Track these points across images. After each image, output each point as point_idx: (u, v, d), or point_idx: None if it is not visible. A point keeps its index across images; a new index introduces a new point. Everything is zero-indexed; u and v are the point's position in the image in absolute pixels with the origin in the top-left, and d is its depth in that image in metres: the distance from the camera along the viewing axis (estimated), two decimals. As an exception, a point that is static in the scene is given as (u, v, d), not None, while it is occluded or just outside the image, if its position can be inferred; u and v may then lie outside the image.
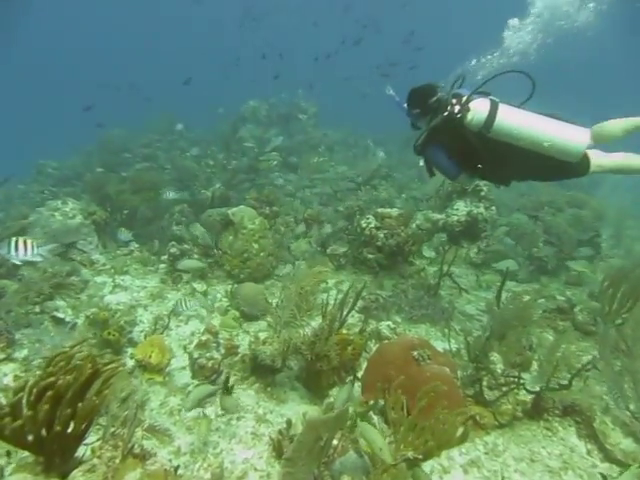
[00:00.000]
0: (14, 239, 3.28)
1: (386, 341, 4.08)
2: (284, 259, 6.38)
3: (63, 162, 13.87)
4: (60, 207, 6.36)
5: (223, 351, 4.01)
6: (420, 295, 5.44)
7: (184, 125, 15.88)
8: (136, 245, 6.74)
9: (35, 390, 2.13)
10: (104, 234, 6.77)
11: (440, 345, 4.61)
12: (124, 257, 6.45)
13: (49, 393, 2.11)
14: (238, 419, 3.54)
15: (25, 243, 3.33)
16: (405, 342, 3.51)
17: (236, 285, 5.52)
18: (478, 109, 3.58)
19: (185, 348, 4.66)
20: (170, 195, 7.86)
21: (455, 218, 6.51)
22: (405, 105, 4.02)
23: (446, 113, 3.68)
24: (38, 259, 3.43)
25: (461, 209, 6.58)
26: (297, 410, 3.65)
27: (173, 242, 6.06)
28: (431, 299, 5.36)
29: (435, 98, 3.82)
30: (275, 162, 11.74)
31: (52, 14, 38.57)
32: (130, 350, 4.54)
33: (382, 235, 5.68)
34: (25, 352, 4.15)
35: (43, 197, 11.84)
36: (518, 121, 3.49)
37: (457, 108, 3.65)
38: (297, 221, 7.47)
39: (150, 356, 4.13)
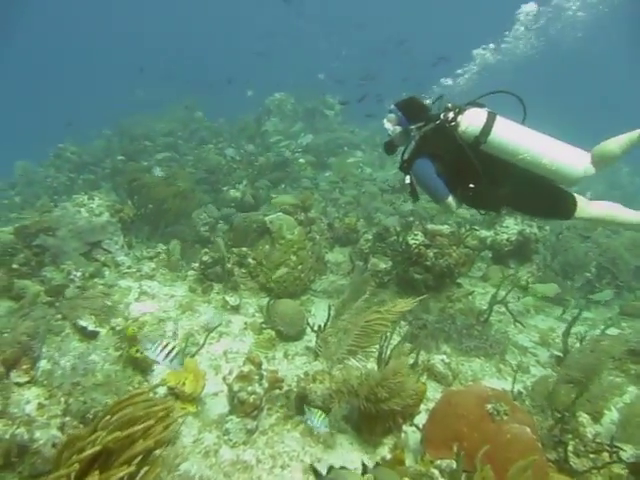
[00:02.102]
0: (160, 343, 3.10)
1: (454, 388, 3.66)
2: (321, 272, 5.97)
3: (82, 147, 13.55)
4: (86, 203, 5.98)
5: (266, 384, 3.60)
6: (469, 322, 5.02)
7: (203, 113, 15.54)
8: (163, 247, 6.34)
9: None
10: (130, 233, 6.39)
11: (497, 384, 4.20)
12: (150, 260, 6.07)
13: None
14: (282, 467, 3.16)
15: (169, 349, 3.14)
16: (479, 392, 3.08)
17: (269, 300, 5.11)
18: (474, 118, 3.33)
19: (217, 370, 4.30)
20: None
21: (505, 236, 6.08)
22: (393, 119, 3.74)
23: (438, 121, 3.43)
24: (176, 367, 3.20)
25: (511, 227, 6.15)
26: (348, 459, 3.25)
27: (206, 249, 5.66)
28: (482, 328, 4.94)
29: (425, 107, 3.65)
30: (303, 160, 11.31)
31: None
32: (156, 369, 4.19)
33: (432, 254, 5.24)
34: (45, 364, 3.79)
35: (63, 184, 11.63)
36: (516, 135, 3.29)
37: (451, 115, 3.38)
38: (331, 227, 7.04)
39: (184, 383, 3.74)
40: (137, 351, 4.06)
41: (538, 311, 5.86)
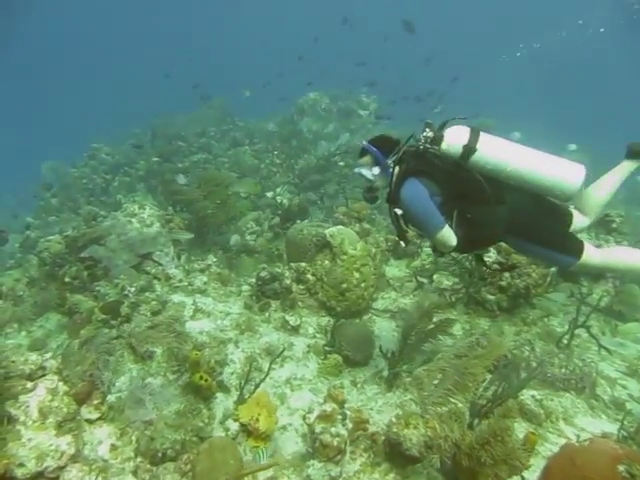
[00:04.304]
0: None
1: (576, 443, 3.28)
2: (382, 288, 5.63)
3: (115, 147, 13.42)
4: (137, 213, 5.75)
5: (350, 425, 3.28)
6: (550, 349, 4.63)
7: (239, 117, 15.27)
8: (214, 259, 6.07)
9: None
10: (179, 244, 6.13)
11: (592, 424, 3.82)
12: (201, 273, 5.80)
13: None
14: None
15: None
16: (609, 451, 2.70)
17: (335, 322, 4.78)
18: (455, 134, 3.05)
19: (282, 399, 4.00)
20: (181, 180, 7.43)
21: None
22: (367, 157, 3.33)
23: (419, 143, 3.12)
24: None
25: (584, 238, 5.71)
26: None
27: (264, 264, 5.36)
28: (565, 356, 4.55)
29: (398, 141, 3.33)
30: (343, 163, 10.94)
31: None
32: (220, 397, 3.91)
33: (508, 274, 4.86)
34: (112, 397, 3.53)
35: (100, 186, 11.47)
36: (503, 149, 3.02)
37: (431, 134, 3.07)
38: (386, 239, 6.68)
39: (257, 419, 3.45)
40: (201, 378, 3.78)
41: (615, 333, 5.43)
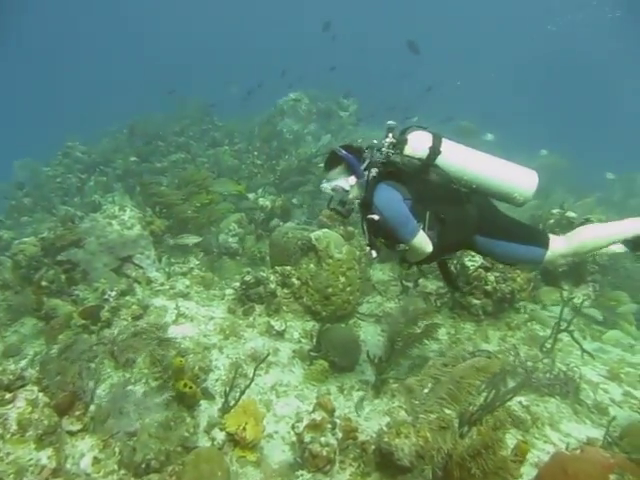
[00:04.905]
0: None
1: (565, 451, 3.28)
2: (367, 292, 5.59)
3: (91, 146, 13.12)
4: (118, 214, 5.58)
5: (340, 434, 3.23)
6: (534, 354, 4.67)
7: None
8: (196, 262, 5.96)
9: None
10: (160, 246, 5.99)
11: (577, 429, 3.85)
12: (183, 276, 5.68)
13: None
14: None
15: None
16: (599, 460, 2.70)
17: (321, 326, 4.72)
18: (420, 138, 3.10)
19: (267, 406, 3.93)
20: None
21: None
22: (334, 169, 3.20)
23: (383, 148, 3.09)
24: None
25: (566, 247, 5.78)
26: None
27: (248, 268, 5.28)
28: (548, 360, 4.58)
29: (362, 148, 3.24)
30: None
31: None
32: (204, 404, 3.82)
33: (493, 278, 4.88)
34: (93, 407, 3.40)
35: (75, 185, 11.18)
36: (465, 156, 3.11)
37: (393, 140, 3.10)
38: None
39: (244, 428, 3.37)
40: (185, 385, 3.68)
41: (595, 337, 5.50)
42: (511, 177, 3.11)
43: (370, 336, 5.03)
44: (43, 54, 40.64)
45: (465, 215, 3.13)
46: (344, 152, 3.12)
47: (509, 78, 31.86)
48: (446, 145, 3.09)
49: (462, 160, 3.09)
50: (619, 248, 3.33)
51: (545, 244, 3.19)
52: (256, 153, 11.36)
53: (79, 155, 12.40)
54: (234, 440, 3.34)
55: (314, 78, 16.80)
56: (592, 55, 30.95)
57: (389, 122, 3.16)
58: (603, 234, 3.21)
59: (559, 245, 3.20)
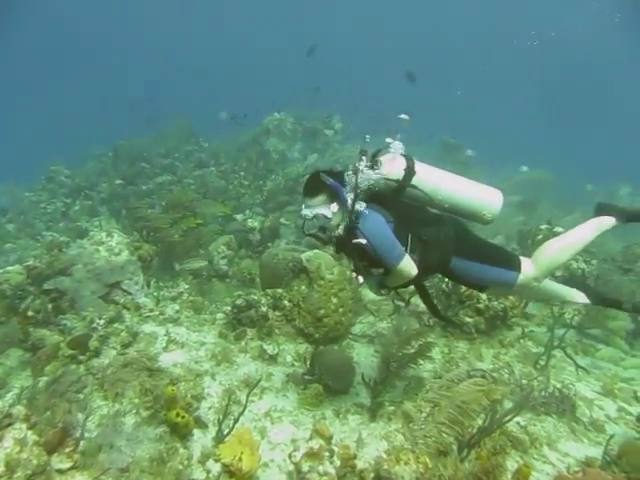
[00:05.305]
0: None
1: (567, 474, 3.25)
2: (359, 312, 5.56)
3: (75, 169, 13.02)
4: (105, 241, 5.51)
5: (338, 462, 3.16)
6: (529, 371, 4.66)
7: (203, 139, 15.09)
8: (186, 286, 5.88)
9: None
10: (149, 271, 5.91)
11: (575, 448, 3.82)
12: (172, 301, 5.60)
13: None
14: None
15: None
16: (601, 482, 2.69)
17: (314, 349, 4.68)
18: (394, 160, 3.10)
19: (262, 433, 3.84)
20: None
21: (549, 273, 5.75)
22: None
23: (363, 171, 3.04)
24: None
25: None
26: None
27: (239, 292, 5.22)
28: (543, 377, 4.57)
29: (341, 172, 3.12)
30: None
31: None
32: (197, 433, 3.73)
33: (485, 296, 4.88)
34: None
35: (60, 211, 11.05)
36: (437, 177, 3.13)
37: (368, 163, 3.08)
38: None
39: (240, 459, 3.29)
40: (178, 415, 3.61)
41: (587, 352, 5.51)
42: (480, 195, 3.15)
43: (364, 357, 4.98)
44: (22, 75, 40.43)
45: (445, 236, 3.12)
46: (330, 180, 2.97)
47: (499, 92, 32.42)
48: (418, 165, 3.11)
49: (436, 180, 3.10)
50: (582, 299, 3.42)
51: (517, 267, 3.21)
52: (242, 173, 11.33)
53: (63, 179, 12.29)
54: (230, 471, 3.25)
55: (299, 98, 16.85)
56: (590, 60, 31.53)
57: (360, 146, 3.13)
58: (565, 244, 3.26)
59: (529, 269, 3.22)
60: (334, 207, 3.00)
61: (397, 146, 3.19)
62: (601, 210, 3.30)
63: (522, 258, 3.28)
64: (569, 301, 3.54)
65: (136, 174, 12.22)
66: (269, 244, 7.23)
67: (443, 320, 3.86)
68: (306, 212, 3.06)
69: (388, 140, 3.22)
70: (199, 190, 10.72)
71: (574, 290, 3.47)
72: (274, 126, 15.60)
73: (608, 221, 3.25)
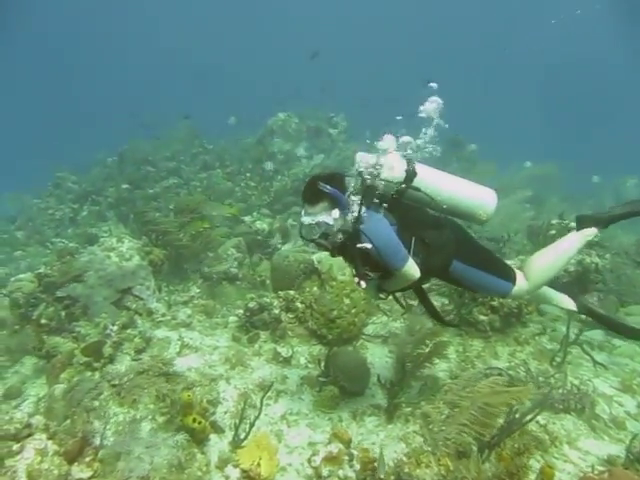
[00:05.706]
0: None
1: (592, 475, 3.20)
2: (372, 312, 5.53)
3: (80, 175, 13.05)
4: (116, 247, 5.51)
5: (358, 466, 3.14)
6: (545, 369, 4.61)
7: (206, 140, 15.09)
8: (196, 290, 5.87)
9: None
10: (160, 275, 5.91)
11: (596, 446, 3.77)
12: (184, 305, 5.60)
13: None
14: None
15: None
16: (628, 482, 2.65)
17: (328, 351, 4.65)
18: (394, 161, 3.05)
19: (279, 437, 3.82)
20: None
21: (562, 268, 5.70)
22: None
23: (365, 174, 3.02)
24: None
25: (569, 257, 5.77)
26: None
27: (252, 295, 5.21)
28: (560, 375, 4.52)
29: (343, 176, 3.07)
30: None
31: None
32: (214, 439, 3.71)
33: (498, 294, 4.83)
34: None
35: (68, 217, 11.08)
36: (436, 177, 3.12)
37: (369, 167, 3.04)
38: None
39: (259, 464, 3.27)
40: (194, 420, 3.59)
41: (603, 348, 5.45)
42: (477, 195, 3.15)
43: (378, 358, 4.95)
44: (24, 80, 40.64)
45: (446, 238, 3.09)
46: (329, 188, 2.86)
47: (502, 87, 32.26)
48: (419, 167, 3.07)
49: (436, 180, 3.09)
50: (572, 305, 3.49)
51: (512, 279, 3.23)
52: (248, 174, 11.31)
53: (70, 185, 12.32)
54: (249, 476, 3.24)
55: (304, 98, 16.84)
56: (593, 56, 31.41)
57: (357, 150, 3.14)
58: (554, 259, 3.29)
59: (523, 282, 3.24)
60: (335, 213, 2.90)
61: (391, 141, 3.15)
62: (581, 223, 3.34)
63: (517, 271, 3.30)
64: (558, 306, 3.64)
65: (142, 178, 12.24)
66: (279, 245, 7.20)
67: (443, 323, 3.79)
68: (307, 219, 2.99)
69: (388, 140, 3.18)
70: (206, 192, 10.73)
71: (565, 296, 3.58)
72: (278, 126, 15.57)
73: (591, 232, 3.30)
